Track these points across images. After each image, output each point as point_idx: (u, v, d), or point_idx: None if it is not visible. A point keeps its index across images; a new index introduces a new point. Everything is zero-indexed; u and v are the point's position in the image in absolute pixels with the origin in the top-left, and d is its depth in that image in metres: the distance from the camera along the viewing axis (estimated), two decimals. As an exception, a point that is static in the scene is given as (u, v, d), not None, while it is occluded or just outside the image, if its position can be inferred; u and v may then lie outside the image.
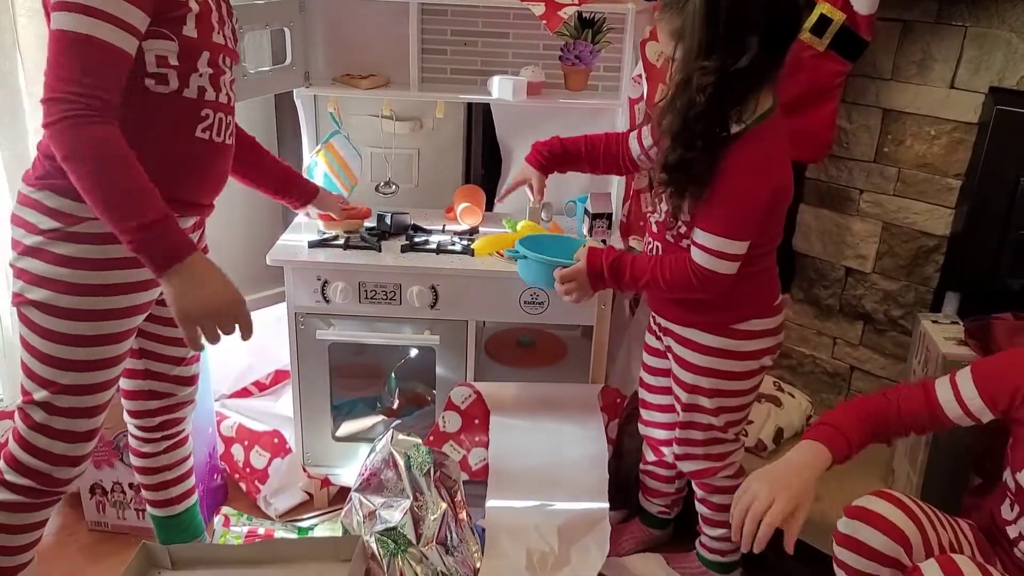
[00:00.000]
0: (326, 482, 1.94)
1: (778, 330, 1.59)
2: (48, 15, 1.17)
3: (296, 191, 1.74)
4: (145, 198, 1.18)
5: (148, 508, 1.66)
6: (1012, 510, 1.32)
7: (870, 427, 1.36)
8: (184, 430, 1.62)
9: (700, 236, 1.41)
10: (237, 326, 1.28)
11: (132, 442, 1.61)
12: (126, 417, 1.58)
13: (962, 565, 1.18)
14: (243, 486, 1.98)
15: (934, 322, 1.81)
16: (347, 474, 1.91)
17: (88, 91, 1.14)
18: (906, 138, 1.94)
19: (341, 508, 1.74)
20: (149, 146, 1.24)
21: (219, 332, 1.26)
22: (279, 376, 2.26)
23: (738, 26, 1.31)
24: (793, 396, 2.15)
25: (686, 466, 1.67)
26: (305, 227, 1.93)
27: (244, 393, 2.23)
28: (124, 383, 1.52)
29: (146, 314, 1.40)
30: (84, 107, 1.14)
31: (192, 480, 1.68)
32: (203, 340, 1.27)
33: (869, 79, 1.96)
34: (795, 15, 1.40)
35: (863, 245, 2.06)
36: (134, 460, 1.63)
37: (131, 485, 1.82)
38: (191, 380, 1.58)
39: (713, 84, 1.32)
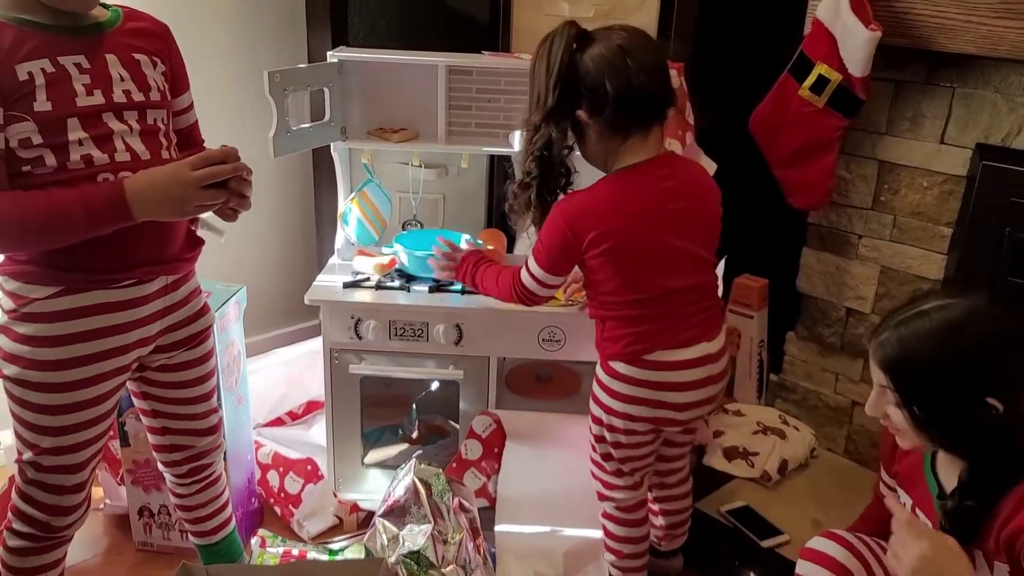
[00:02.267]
0: (355, 508, 2.07)
1: (649, 384, 1.58)
2: None
3: None
4: (56, 207, 1.22)
5: (190, 537, 1.79)
6: None
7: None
8: (213, 472, 1.70)
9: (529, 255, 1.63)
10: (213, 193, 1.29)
11: (168, 483, 1.70)
12: (159, 465, 1.67)
13: None
14: (278, 510, 2.12)
15: (926, 361, 1.92)
16: (374, 500, 2.04)
17: None
18: (901, 188, 2.07)
19: (364, 533, 1.88)
20: None
21: (204, 207, 1.30)
22: (311, 406, 2.40)
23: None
24: (798, 429, 2.27)
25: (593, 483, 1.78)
26: (339, 268, 2.08)
27: (278, 422, 2.37)
28: (150, 438, 1.62)
29: (116, 381, 1.41)
30: None
31: (228, 511, 1.78)
32: (214, 223, 1.33)
33: (866, 133, 2.10)
34: (623, 96, 1.49)
35: (862, 287, 2.19)
36: (172, 498, 1.73)
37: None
38: (211, 430, 1.64)
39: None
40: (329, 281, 2.02)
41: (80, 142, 1.26)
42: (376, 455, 2.14)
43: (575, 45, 1.49)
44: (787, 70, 2.05)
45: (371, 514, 2.04)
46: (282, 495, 2.10)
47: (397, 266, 2.04)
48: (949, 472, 1.33)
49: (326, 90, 1.98)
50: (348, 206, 2.10)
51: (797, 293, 2.34)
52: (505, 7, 2.23)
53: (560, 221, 1.55)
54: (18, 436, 1.41)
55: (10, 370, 1.34)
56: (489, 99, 2.10)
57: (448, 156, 2.22)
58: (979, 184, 1.92)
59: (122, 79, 1.32)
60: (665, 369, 1.57)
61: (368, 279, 2.00)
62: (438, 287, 1.98)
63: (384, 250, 2.07)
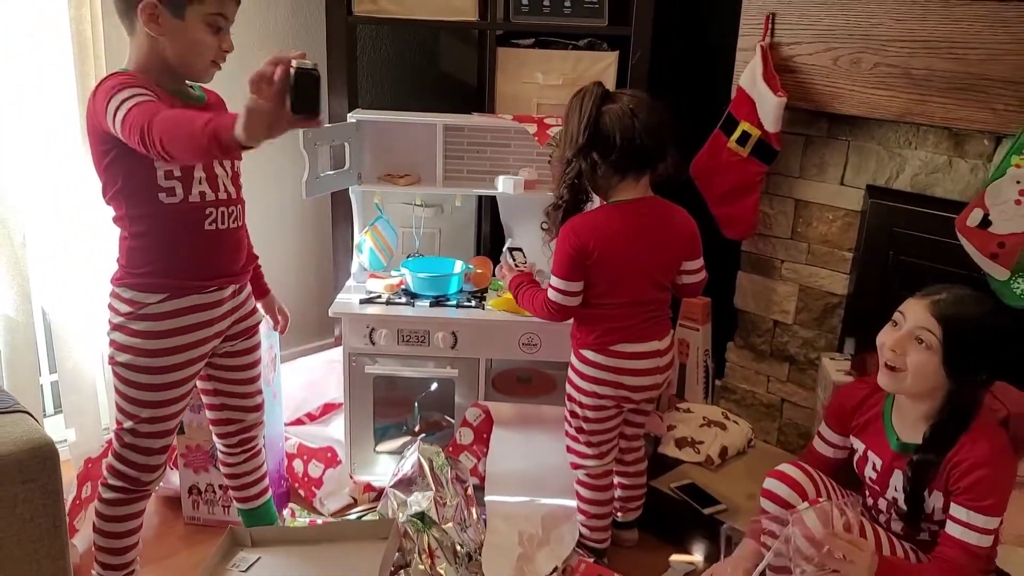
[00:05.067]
0: (368, 487, 2.47)
1: (612, 369, 2.01)
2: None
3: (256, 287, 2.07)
4: (189, 121, 1.40)
5: (235, 504, 2.18)
6: (868, 497, 1.87)
7: None
8: (257, 445, 2.10)
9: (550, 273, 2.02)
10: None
11: (220, 455, 2.11)
12: (214, 438, 2.09)
13: (824, 504, 1.72)
14: (302, 492, 2.51)
15: (832, 359, 2.39)
16: (384, 480, 2.44)
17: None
18: (812, 221, 2.54)
19: (378, 505, 2.29)
20: (171, 246, 1.70)
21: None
22: (327, 408, 2.81)
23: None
24: (737, 423, 2.69)
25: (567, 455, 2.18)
26: (354, 289, 2.52)
27: (298, 422, 2.77)
28: (209, 414, 2.03)
29: (199, 366, 1.82)
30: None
31: (267, 481, 2.18)
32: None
33: (783, 177, 2.57)
34: (625, 147, 1.92)
35: (785, 303, 2.64)
36: (222, 468, 2.14)
37: (220, 486, 2.36)
38: (257, 408, 2.05)
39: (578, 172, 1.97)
40: (347, 299, 2.45)
41: (200, 180, 1.70)
42: (385, 446, 2.55)
43: (600, 101, 1.94)
44: (718, 126, 2.52)
45: (381, 492, 2.44)
46: (306, 479, 2.51)
47: (404, 286, 2.48)
48: (903, 426, 1.77)
49: (346, 144, 2.44)
50: (362, 238, 2.55)
51: (735, 309, 2.79)
52: (490, 76, 2.69)
53: (571, 234, 1.98)
54: (120, 410, 1.81)
55: (123, 358, 1.76)
56: (478, 150, 2.57)
57: (444, 197, 2.68)
58: (870, 217, 2.39)
59: None
60: (625, 358, 2.02)
61: (380, 296, 2.44)
62: (437, 302, 2.43)
63: (393, 273, 2.52)
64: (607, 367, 2.03)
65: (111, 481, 1.86)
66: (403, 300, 2.43)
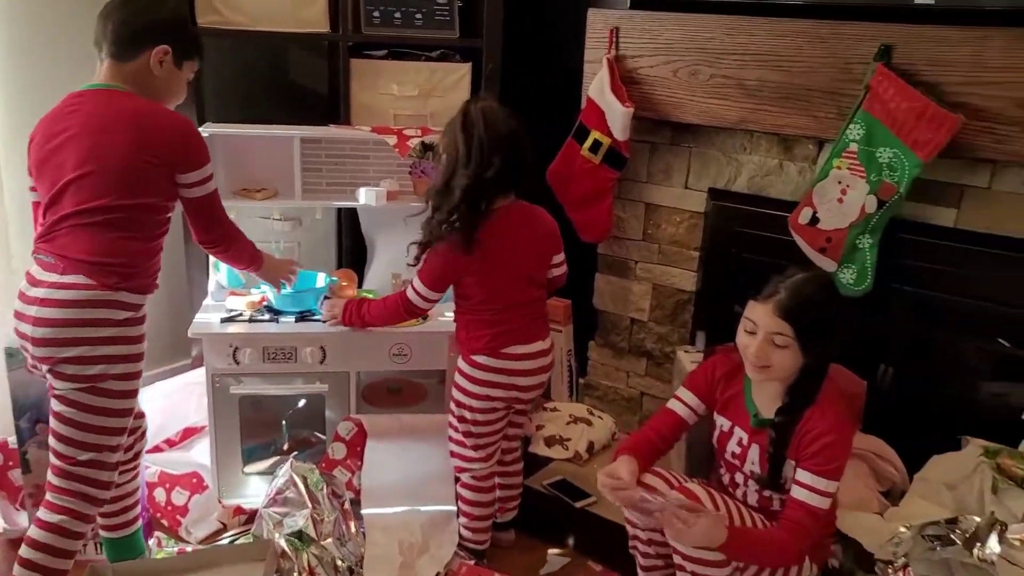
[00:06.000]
0: (238, 510, 2.40)
1: (504, 371, 2.09)
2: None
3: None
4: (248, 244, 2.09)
5: (103, 533, 2.08)
6: (725, 473, 2.01)
7: (650, 459, 1.97)
8: (141, 460, 2.12)
9: (415, 278, 2.10)
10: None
11: None
12: None
13: (694, 487, 1.84)
14: (165, 522, 2.40)
15: (686, 352, 2.54)
16: (254, 502, 2.38)
17: None
18: (661, 223, 2.69)
19: (249, 529, 2.24)
20: (155, 250, 1.86)
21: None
22: (187, 432, 2.70)
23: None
24: (601, 418, 2.80)
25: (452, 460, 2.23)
26: (212, 308, 2.44)
27: (156, 450, 2.65)
28: None
29: None
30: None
31: (139, 507, 2.12)
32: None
33: (633, 182, 2.71)
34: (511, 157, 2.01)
35: (640, 301, 2.79)
36: None
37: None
38: (142, 413, 2.09)
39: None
40: (206, 318, 2.37)
41: None
42: (254, 467, 2.48)
43: (484, 121, 1.98)
44: (571, 135, 2.64)
45: (252, 515, 2.38)
46: (169, 508, 2.40)
47: (266, 303, 2.43)
48: (761, 403, 1.90)
49: (199, 159, 2.37)
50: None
51: (594, 310, 2.91)
52: (345, 88, 2.69)
53: (451, 249, 2.02)
54: (80, 444, 1.77)
55: (118, 369, 1.76)
56: (336, 163, 2.56)
57: (302, 210, 2.64)
58: (712, 218, 2.57)
59: None
60: (515, 359, 2.10)
61: (242, 314, 2.38)
62: (302, 317, 2.39)
63: (253, 290, 2.46)
64: (499, 370, 2.09)
65: (51, 519, 1.79)
66: (267, 317, 2.38)
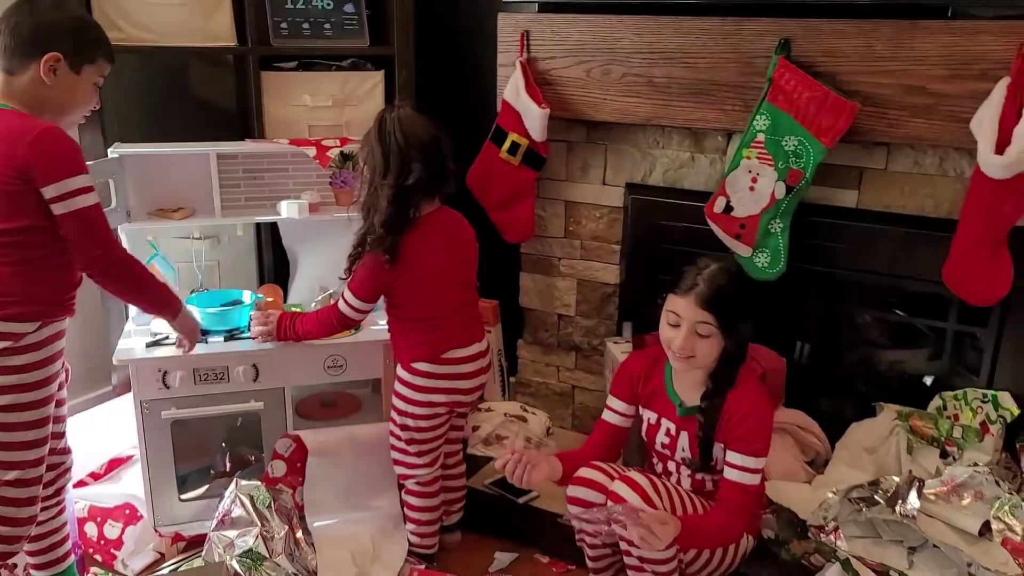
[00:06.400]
0: (177, 537, 2.34)
1: (446, 376, 2.12)
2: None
3: None
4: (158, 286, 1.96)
5: (35, 573, 2.00)
6: (657, 463, 2.09)
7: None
8: (67, 494, 2.06)
9: (345, 289, 2.12)
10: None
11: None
12: None
13: (635, 476, 1.91)
14: (99, 557, 2.32)
15: (615, 343, 2.62)
16: (194, 527, 2.34)
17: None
18: (582, 219, 2.76)
19: (193, 554, 2.20)
20: (54, 270, 1.78)
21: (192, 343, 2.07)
22: (113, 464, 2.60)
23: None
24: (535, 414, 2.85)
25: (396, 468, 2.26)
26: (136, 333, 2.37)
27: (80, 484, 2.55)
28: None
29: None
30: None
31: (71, 541, 2.06)
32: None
33: (553, 181, 2.76)
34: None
35: (566, 297, 2.85)
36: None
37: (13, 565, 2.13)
38: (69, 449, 2.03)
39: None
40: (130, 344, 2.30)
41: None
42: (191, 492, 2.42)
43: (401, 129, 2.01)
44: (488, 138, 2.68)
45: (190, 543, 2.33)
46: (102, 542, 2.32)
47: (192, 324, 2.37)
48: (683, 392, 1.99)
49: (111, 181, 2.30)
50: (139, 278, 2.40)
51: (520, 309, 2.96)
52: (257, 101, 2.65)
53: (380, 260, 2.03)
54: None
55: (4, 400, 1.68)
56: (254, 177, 2.52)
57: (220, 228, 2.60)
58: (631, 212, 2.65)
59: None
60: (456, 363, 2.13)
61: (167, 337, 2.32)
62: (231, 336, 2.35)
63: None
64: (441, 375, 2.12)
65: None
66: (194, 339, 2.32)
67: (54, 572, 2.01)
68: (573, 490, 1.97)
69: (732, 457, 1.91)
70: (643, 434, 2.11)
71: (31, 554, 2.00)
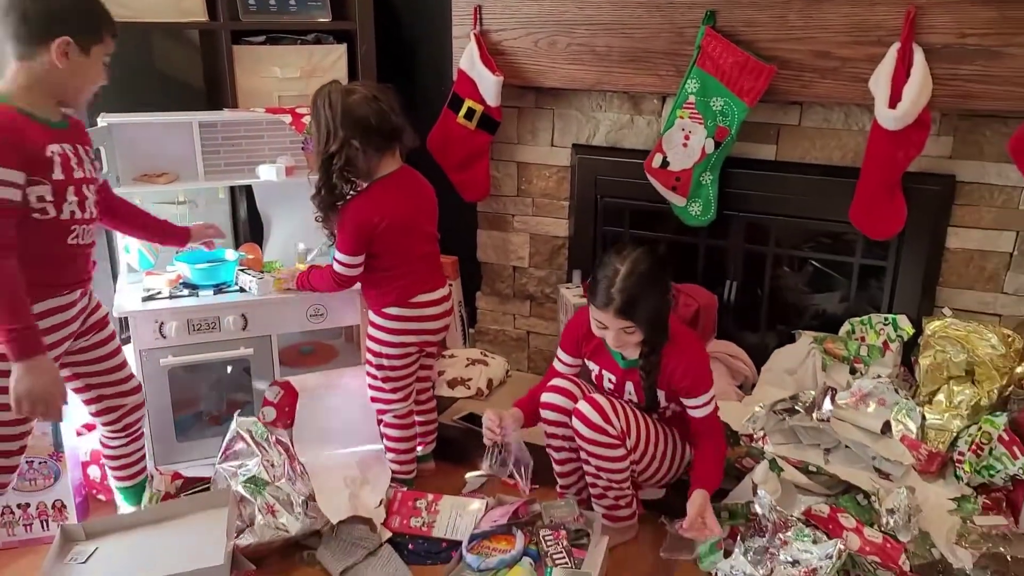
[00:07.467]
0: (175, 476, 2.54)
1: (414, 319, 2.35)
2: None
3: (175, 237, 2.40)
4: (17, 309, 1.74)
5: (115, 484, 2.36)
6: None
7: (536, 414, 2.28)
8: (140, 427, 2.31)
9: (334, 250, 2.31)
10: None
11: (102, 439, 2.29)
12: (100, 427, 2.26)
13: (598, 397, 2.18)
14: (103, 497, 2.51)
15: (567, 288, 2.91)
16: (191, 469, 2.54)
17: None
18: (533, 179, 3.03)
19: (198, 488, 2.42)
20: (35, 254, 1.81)
21: (34, 413, 1.81)
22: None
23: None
24: (495, 358, 3.13)
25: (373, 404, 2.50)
26: (127, 290, 2.55)
27: (91, 427, 2.72)
28: (90, 408, 2.20)
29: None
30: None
31: (145, 460, 2.40)
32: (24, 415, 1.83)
33: (506, 144, 3.02)
34: (382, 127, 2.22)
35: (520, 250, 3.12)
36: (104, 450, 2.31)
37: (19, 505, 2.31)
38: (133, 391, 2.25)
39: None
40: (126, 298, 2.49)
41: (70, 202, 1.86)
42: (188, 434, 2.63)
43: (344, 95, 2.19)
44: (446, 105, 2.91)
45: (187, 481, 2.52)
46: (105, 484, 2.51)
47: (182, 280, 2.57)
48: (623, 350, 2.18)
49: (102, 148, 2.47)
50: (127, 240, 2.59)
51: (478, 263, 3.22)
52: (230, 74, 2.84)
53: (356, 215, 2.24)
54: None
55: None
56: (233, 144, 2.72)
57: (197, 192, 2.78)
58: (578, 170, 2.93)
59: (84, 161, 1.92)
60: (423, 307, 2.36)
61: (160, 292, 2.51)
62: (219, 290, 2.56)
63: (168, 268, 2.60)
64: (410, 317, 2.35)
65: None
66: (186, 293, 2.52)
67: (131, 484, 2.36)
68: (548, 396, 2.23)
69: (691, 401, 2.14)
70: (592, 379, 2.36)
71: (113, 468, 2.33)
